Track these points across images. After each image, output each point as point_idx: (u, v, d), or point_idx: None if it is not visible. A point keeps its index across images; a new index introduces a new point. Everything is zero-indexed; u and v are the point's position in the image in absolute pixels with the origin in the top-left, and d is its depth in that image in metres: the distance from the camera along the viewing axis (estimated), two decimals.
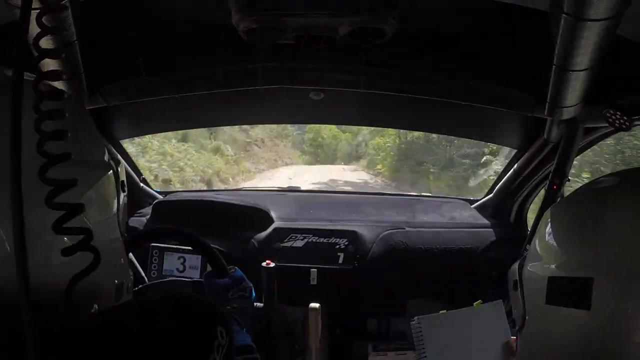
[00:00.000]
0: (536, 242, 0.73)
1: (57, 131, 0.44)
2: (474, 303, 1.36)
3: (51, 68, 1.05)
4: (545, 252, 0.70)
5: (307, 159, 13.70)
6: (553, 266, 0.66)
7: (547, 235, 0.71)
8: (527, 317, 0.72)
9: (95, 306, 0.62)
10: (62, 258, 0.47)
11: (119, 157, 1.82)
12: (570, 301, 0.60)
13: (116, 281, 0.66)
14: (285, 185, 2.66)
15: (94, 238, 0.52)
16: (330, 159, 13.29)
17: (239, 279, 1.12)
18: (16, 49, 0.40)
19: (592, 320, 0.57)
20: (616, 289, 0.55)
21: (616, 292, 0.55)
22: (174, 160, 8.43)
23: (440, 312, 1.37)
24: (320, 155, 13.62)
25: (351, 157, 13.18)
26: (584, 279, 0.58)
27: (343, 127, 11.89)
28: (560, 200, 0.77)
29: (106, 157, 0.66)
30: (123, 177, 0.70)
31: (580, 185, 0.76)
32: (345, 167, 12.40)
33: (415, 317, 1.34)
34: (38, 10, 0.49)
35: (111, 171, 0.67)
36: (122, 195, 0.69)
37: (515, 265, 0.79)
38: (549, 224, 0.71)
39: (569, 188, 1.52)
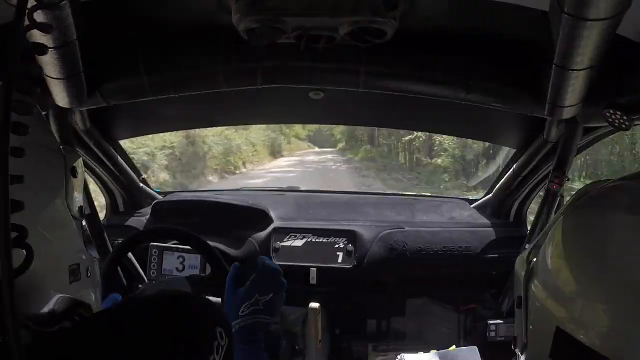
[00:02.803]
0: (547, 255, 0.65)
1: (17, 124, 0.43)
2: (450, 348, 1.52)
3: (49, 66, 1.06)
4: (554, 276, 0.63)
5: None
6: (563, 307, 0.59)
7: (560, 258, 0.64)
8: (528, 344, 0.68)
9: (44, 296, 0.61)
10: None
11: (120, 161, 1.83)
12: None
13: (69, 265, 0.66)
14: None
15: (36, 218, 0.54)
16: None
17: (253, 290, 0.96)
18: (12, 43, 0.40)
19: None
20: None
21: None
22: None
23: (420, 353, 1.51)
24: None
25: None
26: (595, 354, 0.52)
27: None
28: (569, 210, 0.68)
29: (51, 142, 0.67)
30: (75, 164, 0.71)
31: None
32: None
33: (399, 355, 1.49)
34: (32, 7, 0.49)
35: (59, 156, 0.67)
36: (72, 179, 0.69)
37: (521, 279, 0.71)
38: (561, 245, 0.64)
39: (569, 187, 1.53)
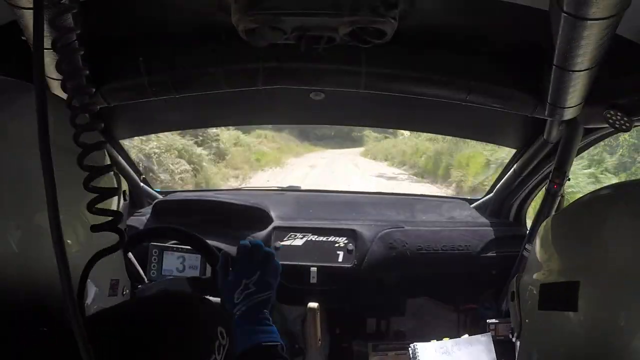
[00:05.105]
0: (534, 252, 0.75)
1: (98, 143, 0.52)
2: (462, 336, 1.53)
3: (49, 67, 1.06)
4: (540, 261, 0.72)
5: None
6: (546, 274, 0.68)
7: (543, 246, 0.73)
8: (522, 326, 0.75)
9: (87, 301, 0.63)
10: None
11: (121, 161, 1.84)
12: (559, 304, 0.62)
13: (111, 279, 0.68)
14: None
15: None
16: None
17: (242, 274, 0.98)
18: (34, 54, 0.43)
19: (580, 324, 0.59)
20: (601, 291, 0.58)
21: (601, 295, 0.58)
22: None
23: (432, 340, 1.52)
24: None
25: None
26: (571, 282, 0.60)
27: None
28: (557, 212, 0.79)
29: (109, 161, 0.68)
30: (125, 188, 0.74)
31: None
32: None
33: (412, 344, 1.50)
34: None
35: (114, 175, 0.70)
36: (122, 202, 0.72)
37: (514, 279, 0.81)
38: (546, 235, 0.74)
39: (569, 188, 1.53)
